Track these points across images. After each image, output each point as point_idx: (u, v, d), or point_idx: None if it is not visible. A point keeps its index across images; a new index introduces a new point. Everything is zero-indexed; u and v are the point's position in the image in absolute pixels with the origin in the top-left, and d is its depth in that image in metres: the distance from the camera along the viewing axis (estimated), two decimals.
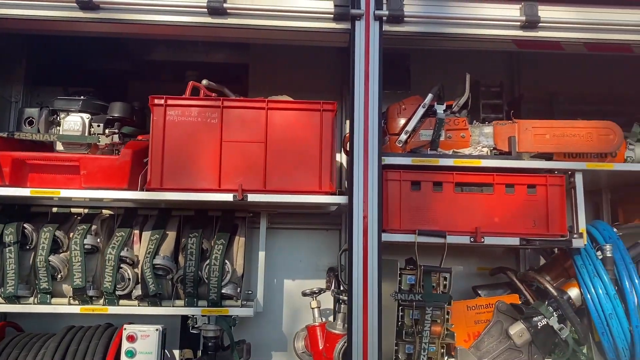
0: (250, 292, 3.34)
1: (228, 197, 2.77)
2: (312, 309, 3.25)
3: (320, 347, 3.09)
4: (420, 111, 3.07)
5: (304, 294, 3.28)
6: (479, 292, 3.28)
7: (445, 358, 2.84)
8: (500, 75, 3.86)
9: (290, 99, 3.09)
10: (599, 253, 2.92)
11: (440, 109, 3.10)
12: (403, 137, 3.07)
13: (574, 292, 2.96)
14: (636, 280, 2.83)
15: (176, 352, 3.45)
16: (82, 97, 3.13)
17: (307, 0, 2.83)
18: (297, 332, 3.31)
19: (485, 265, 3.67)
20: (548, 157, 3.19)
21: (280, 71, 3.86)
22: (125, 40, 3.50)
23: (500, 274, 3.33)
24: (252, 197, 2.79)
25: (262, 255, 3.35)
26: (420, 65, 3.88)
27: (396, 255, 3.00)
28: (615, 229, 3.23)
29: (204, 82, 3.11)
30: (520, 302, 3.09)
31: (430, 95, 3.09)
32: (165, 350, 3.44)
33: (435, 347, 2.78)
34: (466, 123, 3.10)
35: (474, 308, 3.06)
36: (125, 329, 2.86)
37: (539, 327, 2.89)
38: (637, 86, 3.76)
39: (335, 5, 2.82)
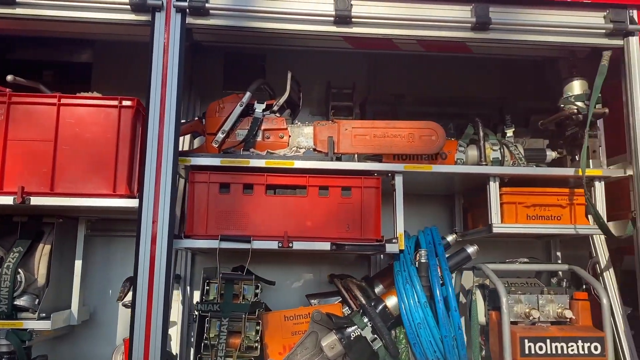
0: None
1: (8, 200, 2.57)
2: None
3: None
4: (238, 109, 2.91)
5: (125, 306, 3.06)
6: (311, 300, 3.12)
7: None
8: (358, 78, 3.74)
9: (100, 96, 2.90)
10: (416, 259, 2.78)
11: (259, 107, 2.94)
12: (220, 136, 2.91)
13: (392, 301, 2.80)
14: (450, 289, 2.68)
15: None
16: None
17: None
18: (118, 346, 3.09)
19: (338, 271, 3.50)
20: (379, 159, 3.07)
21: (126, 71, 3.67)
22: None
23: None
24: (36, 200, 2.59)
25: (78, 264, 3.12)
26: (280, 66, 3.71)
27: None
28: (454, 235, 3.15)
29: (9, 77, 2.88)
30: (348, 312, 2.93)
31: (248, 93, 2.94)
32: None
33: None
34: (285, 123, 2.94)
35: (291, 318, 2.87)
36: None
37: (352, 339, 2.71)
38: (479, 88, 3.71)
39: None
